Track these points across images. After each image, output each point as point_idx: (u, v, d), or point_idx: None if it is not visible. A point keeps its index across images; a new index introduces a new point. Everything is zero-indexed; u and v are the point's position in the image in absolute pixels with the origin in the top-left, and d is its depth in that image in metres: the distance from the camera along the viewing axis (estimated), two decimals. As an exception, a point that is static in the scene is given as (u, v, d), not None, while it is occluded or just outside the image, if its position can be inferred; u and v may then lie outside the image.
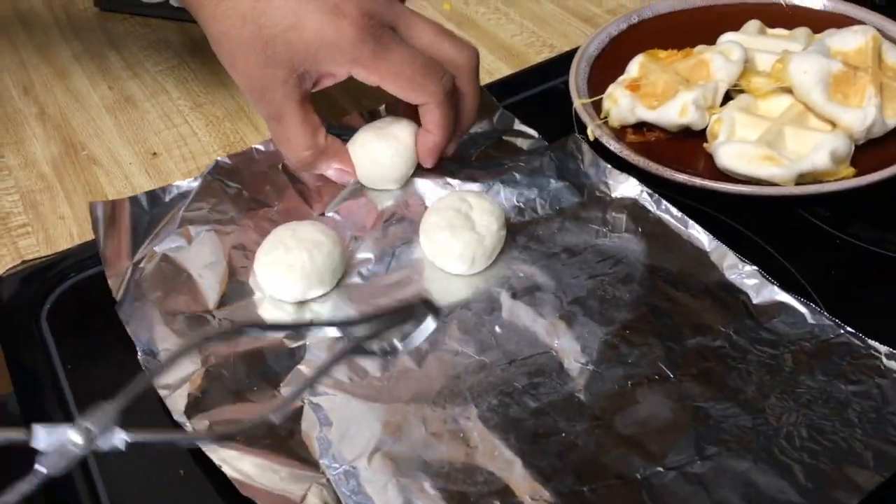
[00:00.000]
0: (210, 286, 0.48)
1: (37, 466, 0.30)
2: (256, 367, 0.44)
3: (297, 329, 0.45)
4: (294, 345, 0.45)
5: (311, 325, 0.42)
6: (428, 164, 0.52)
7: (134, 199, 0.53)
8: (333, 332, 0.45)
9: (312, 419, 0.41)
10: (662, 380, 0.41)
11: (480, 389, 0.42)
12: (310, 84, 0.48)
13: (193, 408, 0.42)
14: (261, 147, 0.56)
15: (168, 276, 0.48)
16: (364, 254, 0.49)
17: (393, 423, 0.41)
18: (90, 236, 0.54)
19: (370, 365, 0.44)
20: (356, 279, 0.48)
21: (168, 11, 0.75)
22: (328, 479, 0.39)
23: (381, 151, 0.51)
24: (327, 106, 0.64)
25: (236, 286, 0.48)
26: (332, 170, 0.52)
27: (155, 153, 0.61)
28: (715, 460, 0.38)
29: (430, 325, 0.37)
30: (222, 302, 0.47)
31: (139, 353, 0.45)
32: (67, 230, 0.56)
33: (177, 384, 0.43)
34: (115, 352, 0.47)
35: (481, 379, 0.42)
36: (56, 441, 0.30)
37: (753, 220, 0.50)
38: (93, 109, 0.66)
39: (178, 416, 0.42)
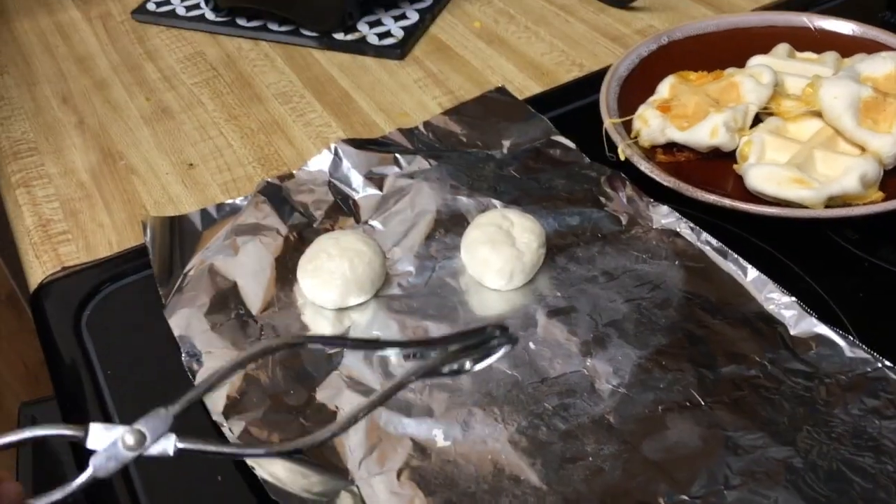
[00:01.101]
0: (254, 293, 0.49)
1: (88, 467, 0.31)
2: (294, 370, 0.45)
3: (352, 341, 0.46)
4: (332, 350, 0.46)
5: (377, 342, 0.43)
6: None
7: (185, 217, 0.55)
8: (393, 351, 0.45)
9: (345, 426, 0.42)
10: (693, 407, 0.42)
11: (511, 409, 0.42)
12: None
13: (231, 409, 0.43)
14: (308, 168, 0.57)
15: (214, 284, 0.50)
16: (405, 266, 0.50)
17: (423, 439, 0.42)
18: (129, 244, 0.56)
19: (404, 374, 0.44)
20: (395, 290, 0.49)
21: (204, 25, 0.76)
22: (357, 487, 0.40)
23: None
24: (361, 123, 0.65)
25: (280, 293, 0.49)
26: None
27: (191, 164, 0.62)
28: (741, 490, 0.38)
29: (504, 351, 0.37)
30: (265, 308, 0.48)
31: (183, 356, 0.46)
32: (106, 238, 0.57)
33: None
34: (154, 357, 0.48)
35: (513, 397, 0.43)
36: (109, 441, 0.31)
37: (782, 241, 0.50)
38: (130, 120, 0.67)
39: (217, 416, 0.43)
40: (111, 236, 0.57)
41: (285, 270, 0.50)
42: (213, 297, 0.49)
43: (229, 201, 0.56)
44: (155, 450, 0.32)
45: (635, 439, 0.40)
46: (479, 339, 0.37)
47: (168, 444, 0.32)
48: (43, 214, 0.59)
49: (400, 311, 0.48)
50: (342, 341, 0.44)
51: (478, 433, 0.42)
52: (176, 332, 0.47)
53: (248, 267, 0.50)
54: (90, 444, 0.32)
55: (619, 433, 0.41)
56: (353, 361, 0.45)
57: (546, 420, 0.42)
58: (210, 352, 0.46)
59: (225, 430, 0.42)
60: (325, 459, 0.41)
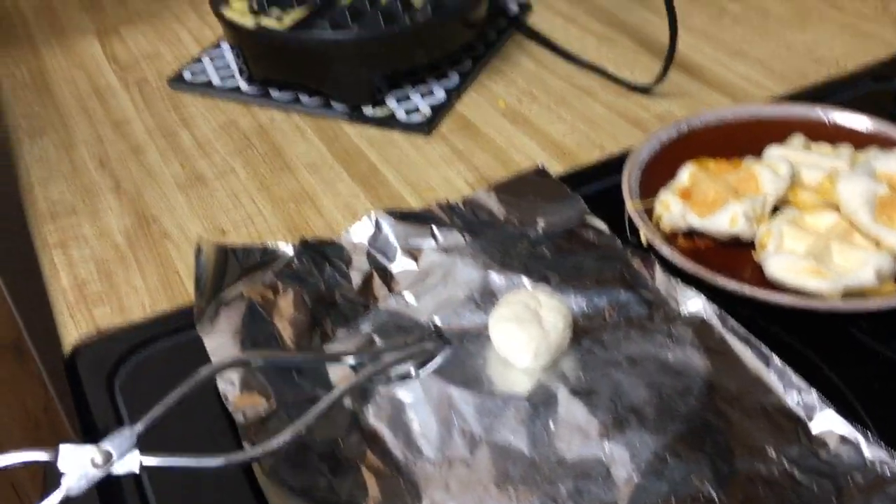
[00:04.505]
0: (288, 336, 0.52)
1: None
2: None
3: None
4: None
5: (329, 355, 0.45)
6: None
7: (232, 249, 0.58)
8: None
9: (362, 484, 0.44)
10: (706, 502, 0.42)
11: (526, 489, 0.43)
12: None
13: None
14: (349, 234, 0.60)
15: (251, 320, 0.52)
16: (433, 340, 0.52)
17: None
18: (162, 307, 0.58)
19: (426, 446, 0.46)
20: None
21: (238, 95, 0.79)
22: None
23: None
24: (388, 196, 0.67)
25: (312, 338, 0.52)
26: None
27: (224, 231, 0.64)
28: None
29: (444, 353, 0.41)
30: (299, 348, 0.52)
31: (218, 380, 0.48)
32: (140, 301, 0.59)
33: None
34: (185, 419, 0.49)
35: (528, 477, 0.44)
36: (78, 461, 0.34)
37: (800, 330, 0.52)
38: (165, 186, 0.70)
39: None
40: (144, 299, 0.59)
41: (318, 321, 0.53)
42: (246, 332, 0.52)
43: (272, 244, 0.59)
44: (121, 467, 0.35)
45: None
46: (417, 344, 0.42)
47: (133, 461, 0.35)
48: (78, 275, 0.61)
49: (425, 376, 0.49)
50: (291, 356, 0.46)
51: None
52: (208, 348, 0.50)
53: (287, 310, 0.53)
54: (61, 466, 0.35)
55: None
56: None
57: (559, 503, 0.43)
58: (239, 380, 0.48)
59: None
60: None
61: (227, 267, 0.56)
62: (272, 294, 0.54)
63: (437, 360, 0.41)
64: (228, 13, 0.76)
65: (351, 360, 0.46)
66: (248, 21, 0.74)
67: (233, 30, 0.75)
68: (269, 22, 0.76)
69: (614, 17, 0.91)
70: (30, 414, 1.51)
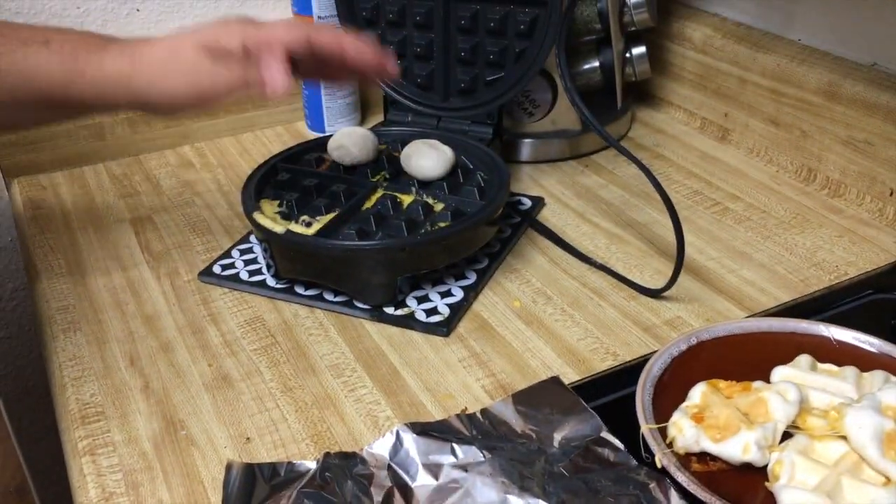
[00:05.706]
0: None
1: None
2: None
3: None
4: None
5: None
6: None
7: (259, 467, 0.60)
8: None
9: None
10: None
11: None
12: None
13: None
14: (372, 449, 0.61)
15: None
16: None
17: None
18: (186, 524, 0.59)
19: None
20: None
21: (265, 290, 0.83)
22: None
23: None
24: (409, 402, 0.69)
25: None
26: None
27: (248, 438, 0.66)
28: None
29: None
30: None
31: None
32: (165, 516, 0.60)
33: None
34: None
35: None
36: None
37: (815, 566, 0.53)
38: (192, 386, 0.72)
39: None
40: (169, 514, 0.60)
41: None
42: None
43: (298, 462, 0.60)
44: None
45: None
46: None
47: None
48: (106, 487, 0.62)
49: None
50: None
51: None
52: None
53: None
54: None
55: None
56: None
57: None
58: None
59: None
60: None
61: (255, 486, 0.58)
62: None
63: None
64: (260, 219, 0.80)
65: None
66: (278, 227, 0.79)
67: (262, 231, 0.80)
68: (297, 227, 0.80)
69: (623, 214, 0.95)
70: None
